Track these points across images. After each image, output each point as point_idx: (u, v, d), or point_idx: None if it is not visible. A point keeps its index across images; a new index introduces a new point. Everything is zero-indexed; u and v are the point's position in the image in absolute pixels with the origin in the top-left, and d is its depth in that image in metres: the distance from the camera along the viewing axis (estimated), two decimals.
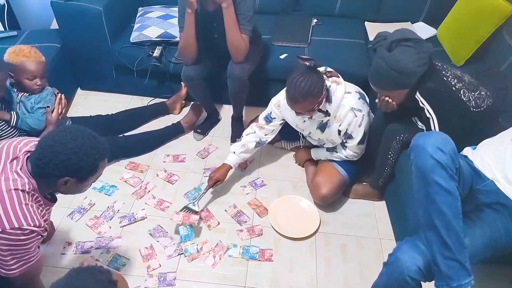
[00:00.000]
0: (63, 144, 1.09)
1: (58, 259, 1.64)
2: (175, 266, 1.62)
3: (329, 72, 1.70)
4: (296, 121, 1.80)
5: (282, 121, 1.86)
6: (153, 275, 1.58)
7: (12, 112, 1.71)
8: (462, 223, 1.07)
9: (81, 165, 1.11)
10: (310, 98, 1.56)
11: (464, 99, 1.41)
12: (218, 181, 1.84)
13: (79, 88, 2.57)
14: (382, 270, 1.19)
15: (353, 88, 1.73)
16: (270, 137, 1.90)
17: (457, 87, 1.41)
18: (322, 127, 1.76)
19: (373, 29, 2.43)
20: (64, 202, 1.82)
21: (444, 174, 1.06)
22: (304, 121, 1.78)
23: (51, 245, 1.68)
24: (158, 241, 1.71)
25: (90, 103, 2.46)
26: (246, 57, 1.89)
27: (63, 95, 1.83)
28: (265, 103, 2.45)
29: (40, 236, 1.13)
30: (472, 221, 1.19)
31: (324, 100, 1.61)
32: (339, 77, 1.70)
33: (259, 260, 1.66)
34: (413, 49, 1.33)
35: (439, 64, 1.47)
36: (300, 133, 1.91)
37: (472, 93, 1.45)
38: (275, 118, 1.84)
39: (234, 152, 1.88)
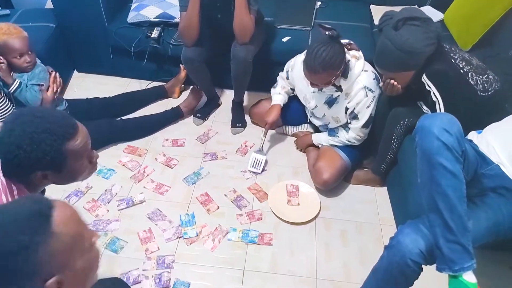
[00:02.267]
0: (13, 137, 0.89)
1: None
2: (174, 249, 1.61)
3: (350, 44, 1.64)
4: (304, 92, 1.76)
5: (291, 90, 1.90)
6: (152, 258, 1.57)
7: (17, 79, 1.66)
8: (466, 206, 1.05)
9: (42, 155, 0.91)
10: (330, 69, 1.51)
11: (471, 82, 1.37)
12: (273, 122, 1.89)
13: (75, 71, 2.51)
14: (383, 253, 1.17)
15: (370, 67, 1.68)
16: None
17: (465, 70, 1.37)
18: (331, 102, 1.72)
19: (378, 13, 2.34)
20: (60, 185, 1.78)
21: (449, 156, 1.03)
22: (314, 91, 1.73)
23: None
24: (156, 225, 1.69)
25: (87, 86, 2.41)
26: (250, 38, 1.85)
27: (57, 73, 1.79)
28: (266, 88, 2.41)
29: None
30: (475, 205, 1.16)
31: (341, 74, 1.56)
32: (359, 51, 1.64)
33: (258, 244, 1.64)
34: (421, 28, 1.28)
35: (447, 46, 1.43)
36: (307, 109, 1.88)
37: (480, 76, 1.41)
38: (291, 78, 1.86)
39: (279, 93, 1.91)
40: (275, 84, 1.97)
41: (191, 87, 2.28)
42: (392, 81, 1.43)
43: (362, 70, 1.62)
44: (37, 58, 1.76)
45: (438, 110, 1.40)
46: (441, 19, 2.23)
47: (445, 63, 1.35)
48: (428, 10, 2.33)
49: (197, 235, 1.64)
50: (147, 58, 2.20)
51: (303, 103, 1.87)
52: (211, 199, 1.80)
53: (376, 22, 2.26)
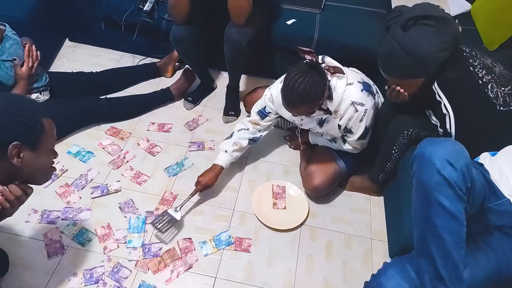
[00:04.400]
0: None
1: (21, 227, 1.52)
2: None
3: (334, 67, 1.44)
4: (293, 118, 1.57)
5: (278, 115, 1.64)
6: (111, 259, 1.45)
7: None
8: (463, 252, 0.89)
9: (22, 122, 0.97)
10: (310, 101, 1.34)
11: (491, 95, 1.17)
12: (207, 186, 1.60)
13: (67, 39, 2.36)
14: None
15: (356, 77, 1.48)
16: (265, 133, 1.68)
17: (484, 80, 1.16)
18: (321, 122, 1.55)
19: None
20: None
21: (451, 194, 0.86)
22: (302, 119, 1.56)
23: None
24: (125, 217, 1.57)
25: (77, 57, 2.26)
26: (247, 20, 1.65)
27: (33, 46, 1.64)
28: (265, 74, 2.21)
29: None
30: (476, 245, 1.00)
31: (326, 99, 1.39)
32: (343, 72, 1.44)
33: (235, 250, 1.52)
34: (434, 29, 1.08)
35: (467, 50, 1.21)
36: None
37: (502, 88, 1.21)
38: (270, 112, 1.61)
39: (226, 151, 1.62)
40: (230, 135, 1.66)
41: (185, 67, 2.11)
42: (397, 87, 1.23)
43: (347, 84, 1.42)
44: (9, 30, 1.62)
45: (447, 124, 1.21)
46: (468, 11, 1.98)
47: (461, 71, 1.14)
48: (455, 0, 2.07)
49: (142, 246, 1.48)
50: (138, 32, 2.04)
51: (295, 124, 1.67)
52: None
53: None
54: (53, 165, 1.11)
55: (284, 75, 1.40)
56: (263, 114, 1.62)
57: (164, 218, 1.51)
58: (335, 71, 1.42)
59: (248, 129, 1.64)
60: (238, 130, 1.65)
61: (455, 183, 0.86)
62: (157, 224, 1.49)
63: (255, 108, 1.65)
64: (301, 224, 1.61)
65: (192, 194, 1.58)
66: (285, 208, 1.66)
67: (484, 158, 1.16)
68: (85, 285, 1.38)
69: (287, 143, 1.91)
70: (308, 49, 1.40)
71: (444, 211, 0.86)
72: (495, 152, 1.17)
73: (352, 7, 2.06)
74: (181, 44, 1.75)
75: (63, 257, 1.45)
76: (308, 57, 1.40)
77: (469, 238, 1.01)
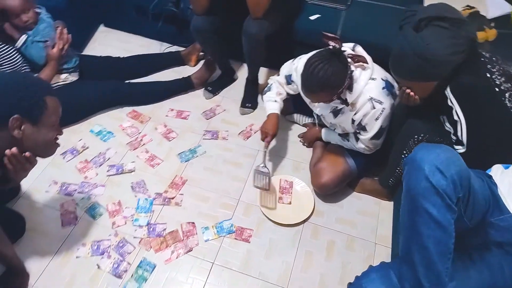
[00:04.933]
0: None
1: (41, 196, 1.64)
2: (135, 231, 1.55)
3: (357, 56, 1.41)
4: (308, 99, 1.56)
5: (295, 92, 1.64)
6: (118, 234, 1.53)
7: (23, 35, 1.66)
8: (449, 264, 0.85)
9: (25, 97, 1.06)
10: (328, 89, 1.33)
11: (508, 104, 1.10)
12: (274, 135, 1.64)
13: (102, 25, 2.47)
14: None
15: (381, 74, 1.45)
16: (291, 93, 1.69)
17: (502, 87, 1.10)
18: (336, 112, 1.53)
19: None
20: (60, 140, 1.78)
21: (438, 202, 0.83)
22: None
23: (37, 181, 1.68)
24: (135, 196, 1.65)
25: (109, 42, 2.37)
26: (266, 13, 1.65)
27: (65, 29, 1.74)
28: None
29: None
30: (470, 261, 0.96)
31: (345, 89, 1.37)
32: (367, 62, 1.42)
33: (235, 239, 1.54)
34: (448, 31, 1.03)
35: (487, 55, 1.15)
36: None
37: None
38: (294, 82, 1.61)
39: (275, 101, 1.64)
40: (268, 88, 1.69)
41: (207, 57, 2.14)
42: (408, 90, 1.19)
43: (370, 79, 1.39)
44: (45, 13, 1.73)
45: (459, 132, 1.16)
46: (507, 13, 1.85)
47: (476, 77, 1.08)
48: (495, 0, 1.94)
49: (147, 225, 1.55)
50: (165, 21, 2.10)
51: (310, 107, 1.66)
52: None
53: None
54: (57, 141, 1.19)
55: (314, 51, 1.39)
56: (288, 80, 1.64)
57: (259, 176, 1.60)
58: (359, 60, 1.39)
59: (280, 84, 1.68)
60: (271, 84, 1.69)
61: (443, 191, 0.82)
62: (257, 184, 1.60)
63: (284, 69, 1.66)
64: (305, 220, 1.61)
65: (266, 147, 1.64)
66: (290, 203, 1.66)
67: (496, 170, 1.10)
68: (91, 255, 1.47)
69: (300, 140, 1.90)
70: (333, 35, 1.37)
71: (430, 219, 0.83)
72: (509, 165, 1.11)
73: (381, 5, 2.00)
74: (200, 34, 1.78)
75: (75, 227, 1.55)
76: (332, 43, 1.38)
77: (465, 252, 0.98)
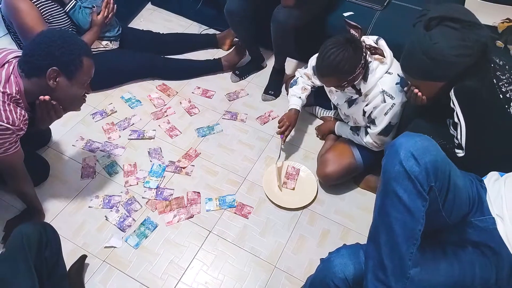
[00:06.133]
0: (46, 37, 1.18)
1: (68, 148, 1.81)
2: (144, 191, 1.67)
3: (375, 48, 1.44)
4: (328, 87, 1.61)
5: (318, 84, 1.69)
6: (129, 192, 1.66)
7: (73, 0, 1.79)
8: (414, 250, 0.87)
9: (65, 53, 1.18)
10: (337, 74, 1.37)
11: (511, 113, 1.08)
12: (292, 126, 1.71)
13: (149, 3, 2.64)
14: (319, 265, 1.06)
15: (398, 70, 1.45)
16: (316, 84, 1.73)
17: (508, 95, 1.08)
18: (350, 102, 1.56)
19: (473, 5, 1.96)
20: (92, 102, 1.96)
21: (409, 187, 0.85)
22: (337, 90, 1.58)
23: (67, 135, 1.86)
24: (150, 161, 1.77)
25: (153, 19, 2.52)
26: (298, 3, 1.69)
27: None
28: None
29: (15, 135, 1.20)
30: (443, 254, 0.96)
31: (360, 78, 1.41)
32: (385, 56, 1.44)
33: (235, 213, 1.62)
34: (457, 33, 1.03)
35: (500, 62, 1.13)
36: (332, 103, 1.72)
37: None
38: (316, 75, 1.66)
39: (299, 97, 1.71)
40: (294, 81, 1.74)
41: (238, 42, 2.23)
42: (416, 90, 1.20)
43: (386, 72, 1.41)
44: None
45: (459, 135, 1.16)
46: None
47: (480, 81, 1.07)
48: None
49: (157, 188, 1.67)
50: (204, 3, 2.20)
51: (329, 96, 1.69)
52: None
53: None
54: (84, 98, 1.33)
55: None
56: (315, 71, 1.66)
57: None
58: (376, 52, 1.42)
59: (302, 76, 1.73)
60: (300, 77, 1.74)
61: (415, 177, 0.84)
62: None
63: (312, 61, 1.70)
64: (304, 207, 1.65)
65: (284, 141, 1.73)
66: (293, 189, 1.71)
67: (491, 176, 1.09)
68: (102, 207, 1.61)
69: (315, 131, 1.94)
70: (355, 23, 1.40)
71: (399, 202, 0.85)
72: (505, 174, 1.09)
73: (417, 9, 1.97)
74: (232, 17, 1.86)
75: (92, 180, 1.70)
76: (352, 31, 1.41)
77: (439, 246, 0.98)
